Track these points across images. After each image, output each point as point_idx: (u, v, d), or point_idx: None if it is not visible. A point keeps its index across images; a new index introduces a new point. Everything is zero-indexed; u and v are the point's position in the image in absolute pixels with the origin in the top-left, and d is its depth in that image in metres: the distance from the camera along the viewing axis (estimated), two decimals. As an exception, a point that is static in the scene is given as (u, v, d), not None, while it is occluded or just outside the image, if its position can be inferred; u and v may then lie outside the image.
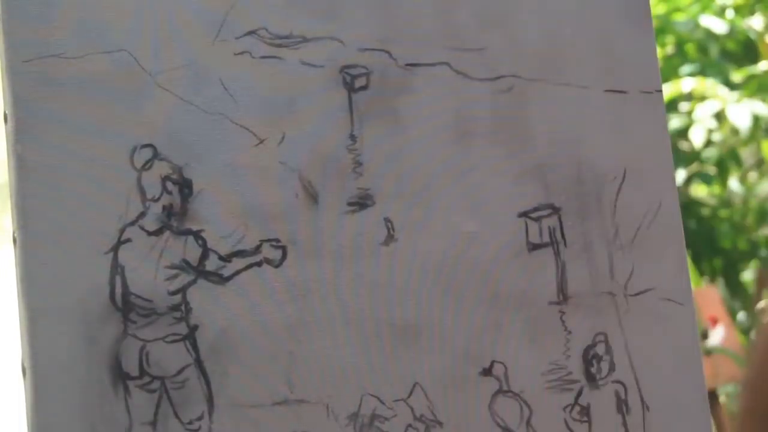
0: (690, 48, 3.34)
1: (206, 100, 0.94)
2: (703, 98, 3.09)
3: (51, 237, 0.89)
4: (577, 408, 0.99)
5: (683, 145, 3.31)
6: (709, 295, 3.16)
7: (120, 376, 0.89)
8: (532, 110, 1.02)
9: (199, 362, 0.91)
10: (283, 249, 0.94)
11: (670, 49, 3.37)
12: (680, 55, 3.35)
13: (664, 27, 3.28)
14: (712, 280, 3.41)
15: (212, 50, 0.95)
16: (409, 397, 0.95)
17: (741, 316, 3.76)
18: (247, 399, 0.91)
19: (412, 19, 1.00)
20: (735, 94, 3.06)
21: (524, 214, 1.01)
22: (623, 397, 1.01)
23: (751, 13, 3.53)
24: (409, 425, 0.95)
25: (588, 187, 1.03)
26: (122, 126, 0.92)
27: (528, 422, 0.98)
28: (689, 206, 3.35)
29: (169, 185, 0.92)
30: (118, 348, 0.89)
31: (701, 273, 3.34)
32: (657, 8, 3.30)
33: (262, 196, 0.94)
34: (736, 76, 3.25)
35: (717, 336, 3.02)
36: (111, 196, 0.91)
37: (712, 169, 3.31)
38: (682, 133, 3.19)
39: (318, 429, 0.92)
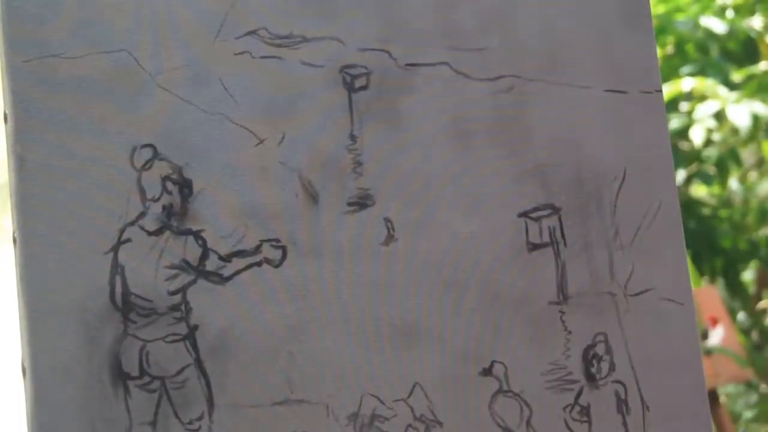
0: (690, 48, 3.34)
1: (206, 100, 0.94)
2: (703, 98, 3.09)
3: (51, 237, 0.89)
4: (577, 408, 0.99)
5: (683, 145, 3.31)
6: (709, 295, 3.16)
7: (120, 376, 0.89)
8: (532, 110, 1.02)
9: (199, 362, 0.91)
10: (283, 249, 0.94)
11: (670, 49, 3.37)
12: (680, 55, 3.34)
13: (664, 27, 3.28)
14: (712, 280, 3.41)
15: (212, 50, 0.95)
16: (409, 397, 0.95)
17: (741, 316, 3.76)
18: (247, 399, 0.91)
19: (412, 19, 1.00)
20: (735, 94, 3.06)
21: (524, 214, 1.01)
22: (623, 397, 1.01)
23: (751, 13, 3.53)
24: (409, 425, 0.95)
25: (588, 187, 1.03)
26: (122, 126, 0.92)
27: (528, 422, 0.98)
28: (689, 206, 3.35)
29: (169, 185, 0.92)
30: (118, 348, 0.89)
31: (701, 273, 3.34)
32: (657, 8, 3.30)
33: (262, 196, 0.94)
34: (736, 76, 3.25)
35: (717, 336, 3.02)
36: (111, 196, 0.91)
37: (712, 169, 3.31)
38: (682, 133, 3.19)
39: (318, 429, 0.92)
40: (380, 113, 0.98)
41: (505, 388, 0.97)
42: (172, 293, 0.91)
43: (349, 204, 0.97)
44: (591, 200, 1.03)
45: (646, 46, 1.07)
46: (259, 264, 0.93)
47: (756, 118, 3.00)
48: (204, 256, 0.92)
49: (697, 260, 3.30)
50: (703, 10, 3.34)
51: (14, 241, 0.89)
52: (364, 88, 0.98)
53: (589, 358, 1.00)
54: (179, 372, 0.90)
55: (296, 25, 0.97)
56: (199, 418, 0.90)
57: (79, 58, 0.92)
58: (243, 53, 0.96)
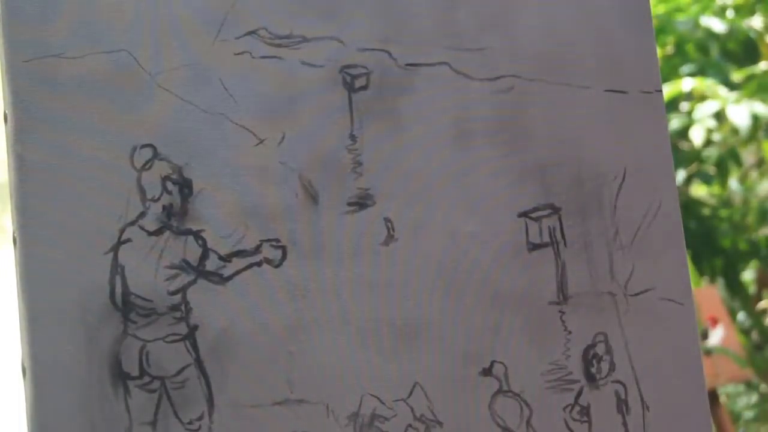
0: (690, 48, 3.34)
1: (206, 100, 0.94)
2: (703, 98, 3.09)
3: (51, 237, 0.89)
4: (577, 408, 0.99)
5: (683, 145, 3.31)
6: (709, 295, 3.16)
7: (120, 376, 0.89)
8: (532, 110, 1.02)
9: (199, 362, 0.91)
10: (283, 249, 0.94)
11: (670, 49, 3.37)
12: (680, 55, 3.35)
13: (664, 27, 3.28)
14: (712, 280, 3.41)
15: (212, 50, 0.95)
16: (409, 397, 0.95)
17: (741, 316, 3.76)
18: (247, 399, 0.91)
19: (412, 19, 1.00)
20: (735, 94, 3.06)
21: (524, 214, 1.01)
22: (623, 397, 1.01)
23: (751, 13, 3.53)
24: (409, 425, 0.95)
25: (588, 187, 1.03)
26: (122, 126, 0.92)
27: (528, 422, 0.98)
28: (689, 206, 3.35)
29: (169, 185, 0.92)
30: (118, 348, 0.89)
31: (701, 273, 3.34)
32: (657, 8, 3.30)
33: (262, 196, 0.94)
34: (736, 76, 3.25)
35: (717, 336, 3.02)
36: (111, 196, 0.91)
37: (712, 169, 3.31)
38: (682, 133, 3.19)
39: (318, 429, 0.92)
40: (380, 113, 0.98)
41: (505, 388, 0.97)
42: (172, 293, 0.91)
43: (349, 204, 0.97)
44: (591, 200, 1.03)
45: (646, 46, 1.07)
46: (259, 264, 0.93)
47: (756, 118, 3.00)
48: (204, 256, 0.92)
49: (697, 260, 3.30)
50: (703, 10, 3.34)
51: (14, 241, 0.89)
52: (364, 88, 0.98)
53: (589, 358, 1.00)
54: (179, 372, 0.90)
55: (296, 25, 0.97)
56: (199, 418, 0.90)
57: (79, 58, 0.92)
58: (243, 53, 0.96)
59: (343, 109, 0.98)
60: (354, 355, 0.94)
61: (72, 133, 0.91)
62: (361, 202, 0.97)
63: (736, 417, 3.64)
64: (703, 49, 3.33)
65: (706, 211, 3.47)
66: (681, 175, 3.27)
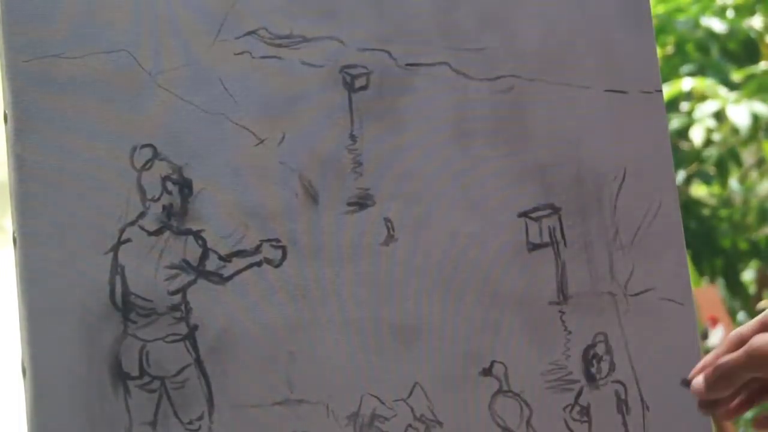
0: (690, 48, 3.34)
1: (206, 100, 0.94)
2: (703, 98, 3.09)
3: (51, 237, 0.89)
4: (577, 408, 0.99)
5: (683, 145, 3.31)
6: (709, 295, 3.16)
7: (120, 376, 0.89)
8: (532, 110, 1.02)
9: (199, 362, 0.91)
10: (283, 249, 0.94)
11: (670, 49, 3.37)
12: (680, 55, 3.34)
13: (664, 27, 3.28)
14: (712, 280, 3.41)
15: (212, 50, 0.95)
16: (409, 397, 0.95)
17: (741, 316, 3.75)
18: (247, 399, 0.91)
19: (412, 19, 1.00)
20: (735, 94, 3.06)
21: (524, 214, 1.01)
22: (623, 397, 1.01)
23: (751, 13, 3.53)
24: (409, 425, 0.95)
25: (588, 187, 1.03)
26: (122, 126, 0.92)
27: (528, 422, 0.98)
28: (689, 206, 3.35)
29: (169, 185, 0.92)
30: (118, 348, 0.89)
31: (701, 273, 3.34)
32: (657, 8, 3.30)
33: (262, 196, 0.94)
34: (736, 76, 3.25)
35: (717, 336, 3.02)
36: (111, 196, 0.91)
37: (712, 169, 3.31)
38: (682, 133, 3.19)
39: (318, 429, 0.92)
40: (380, 113, 0.98)
41: (505, 388, 0.97)
42: (172, 293, 0.91)
43: (349, 204, 0.97)
44: (591, 200, 1.03)
45: (646, 46, 1.07)
46: (259, 264, 0.93)
47: (756, 118, 3.00)
48: (204, 256, 0.92)
49: (697, 260, 3.29)
50: (703, 10, 3.34)
51: (14, 241, 0.89)
52: (364, 88, 0.98)
53: (589, 358, 1.00)
54: (179, 372, 0.90)
55: (296, 25, 0.97)
56: (199, 418, 0.90)
57: (79, 58, 0.91)
58: (243, 53, 0.96)
59: (343, 109, 0.98)
60: (354, 355, 0.94)
61: (72, 133, 0.90)
62: (361, 202, 0.97)
63: (735, 417, 3.64)
64: (703, 49, 3.33)
65: (706, 211, 3.47)
66: (681, 175, 3.27)
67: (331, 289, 0.95)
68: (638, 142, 1.05)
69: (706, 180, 3.35)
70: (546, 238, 1.01)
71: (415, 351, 0.96)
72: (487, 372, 0.97)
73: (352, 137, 0.97)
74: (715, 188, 3.51)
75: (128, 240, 0.91)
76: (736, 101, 3.03)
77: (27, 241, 0.89)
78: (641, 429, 1.01)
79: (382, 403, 0.94)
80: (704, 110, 3.05)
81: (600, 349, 1.01)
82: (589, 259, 1.02)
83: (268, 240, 0.94)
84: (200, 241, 0.92)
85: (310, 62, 0.97)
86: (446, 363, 0.96)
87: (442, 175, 0.99)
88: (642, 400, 1.01)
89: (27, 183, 0.89)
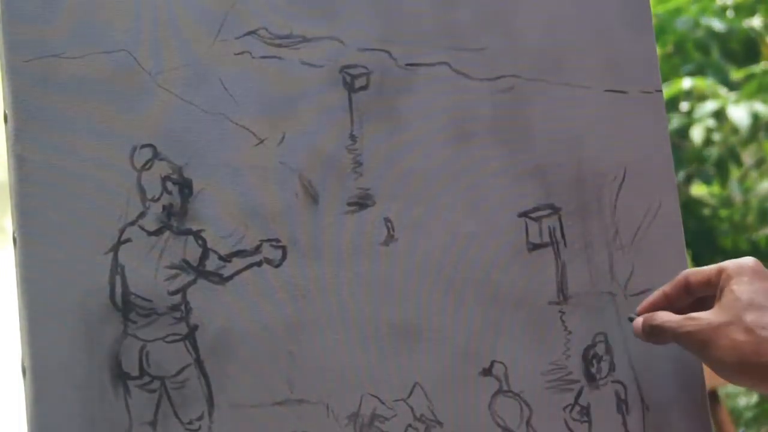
0: (690, 48, 3.34)
1: (206, 100, 0.94)
2: (703, 98, 3.09)
3: (51, 237, 0.89)
4: (577, 408, 0.99)
5: (683, 145, 3.31)
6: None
7: (120, 376, 0.89)
8: (532, 110, 1.02)
9: (199, 362, 0.91)
10: (283, 249, 0.94)
11: (670, 48, 3.37)
12: (680, 55, 3.35)
13: (664, 27, 3.28)
14: (712, 279, 3.39)
15: (212, 50, 0.95)
16: (409, 397, 0.95)
17: (741, 315, 3.74)
18: (247, 399, 0.91)
19: (412, 19, 1.00)
20: (735, 94, 3.06)
21: (524, 214, 1.01)
22: (623, 397, 1.01)
23: (751, 13, 3.53)
24: (409, 425, 0.95)
25: (588, 187, 1.03)
26: (122, 126, 0.92)
27: (528, 422, 0.98)
28: (689, 206, 3.35)
29: (169, 185, 0.92)
30: (118, 348, 0.89)
31: (701, 273, 3.33)
32: (657, 8, 3.30)
33: (262, 196, 0.94)
34: (736, 76, 3.25)
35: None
36: (111, 196, 0.91)
37: (712, 169, 3.31)
38: (682, 133, 3.19)
39: (318, 429, 0.92)
40: (380, 113, 0.98)
41: (505, 388, 0.97)
42: (172, 293, 0.91)
43: (349, 204, 0.97)
44: (591, 200, 1.03)
45: (646, 46, 1.07)
46: (259, 264, 0.93)
47: (756, 118, 3.00)
48: (204, 256, 0.92)
49: (697, 260, 3.30)
50: (703, 10, 3.34)
51: (14, 241, 0.89)
52: (364, 88, 0.98)
53: (589, 358, 1.00)
54: (179, 372, 0.90)
55: (296, 25, 0.97)
56: (199, 418, 0.90)
57: (79, 58, 0.92)
58: (243, 53, 0.96)
59: (343, 109, 0.98)
60: (354, 355, 0.94)
61: (72, 133, 0.90)
62: (361, 202, 0.97)
63: (736, 417, 3.64)
64: (703, 49, 3.33)
65: (706, 211, 3.47)
66: (681, 175, 3.28)
67: (331, 289, 0.95)
68: (638, 142, 1.05)
69: (706, 180, 3.35)
70: (546, 238, 1.01)
71: (415, 351, 0.96)
72: (487, 372, 0.97)
73: (352, 137, 0.97)
74: (715, 188, 3.51)
75: (128, 240, 0.91)
76: (736, 101, 3.03)
77: (27, 241, 0.89)
78: (641, 429, 1.01)
79: (382, 403, 0.94)
80: (704, 110, 3.05)
81: (600, 349, 1.01)
82: (589, 259, 1.02)
83: (268, 240, 0.94)
84: (200, 241, 0.92)
85: (310, 62, 0.97)
86: (446, 363, 0.96)
87: (442, 175, 0.99)
88: (642, 400, 1.01)
89: (27, 183, 0.89)
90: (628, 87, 1.06)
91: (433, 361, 0.96)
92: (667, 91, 3.02)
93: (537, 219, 1.01)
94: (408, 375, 0.95)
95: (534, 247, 1.01)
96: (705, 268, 0.97)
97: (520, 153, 1.01)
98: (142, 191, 0.92)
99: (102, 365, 0.88)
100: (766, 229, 3.57)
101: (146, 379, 0.89)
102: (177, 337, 0.90)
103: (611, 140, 1.04)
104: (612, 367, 1.01)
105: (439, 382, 0.96)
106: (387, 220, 0.97)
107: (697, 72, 3.21)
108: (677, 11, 3.33)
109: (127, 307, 0.90)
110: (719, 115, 3.05)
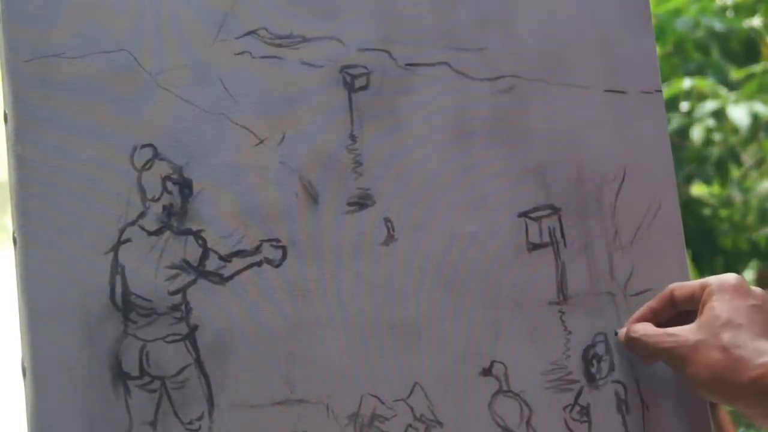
0: (690, 48, 3.34)
1: (206, 100, 0.94)
2: (703, 98, 3.09)
3: (51, 237, 0.89)
4: (577, 408, 0.99)
5: (683, 145, 3.31)
6: (709, 294, 3.14)
7: (120, 376, 0.89)
8: (532, 110, 1.02)
9: (199, 362, 0.91)
10: (283, 249, 0.94)
11: (670, 48, 3.37)
12: (680, 55, 3.35)
13: (664, 27, 3.28)
14: (712, 280, 3.40)
15: (212, 50, 0.95)
16: (409, 397, 0.95)
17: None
18: (247, 399, 0.91)
19: (412, 19, 1.00)
20: (735, 94, 3.07)
21: (524, 214, 1.01)
22: (623, 397, 1.01)
23: (751, 13, 3.53)
24: (409, 425, 0.95)
25: (588, 187, 1.03)
26: (122, 126, 0.92)
27: (528, 422, 0.98)
28: (689, 206, 3.35)
29: (169, 185, 0.92)
30: (118, 348, 0.89)
31: (701, 273, 3.34)
32: (657, 8, 3.30)
33: (262, 196, 0.94)
34: (736, 76, 3.25)
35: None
36: (111, 196, 0.91)
37: (712, 169, 3.31)
38: (682, 133, 3.19)
39: (318, 429, 0.92)
40: (380, 113, 0.98)
41: (505, 388, 0.97)
42: (172, 293, 0.91)
43: (349, 204, 0.97)
44: (591, 200, 1.03)
45: (646, 46, 1.07)
46: (259, 264, 0.93)
47: (756, 118, 3.00)
48: (204, 256, 0.92)
49: (697, 260, 3.30)
50: (703, 10, 3.34)
51: (14, 241, 0.89)
52: (364, 88, 0.98)
53: (589, 358, 1.00)
54: (179, 372, 0.90)
55: (296, 25, 0.97)
56: (199, 418, 0.90)
57: (79, 58, 0.92)
58: (243, 53, 0.96)
59: (343, 109, 0.98)
60: (354, 355, 0.94)
61: (72, 133, 0.91)
62: (361, 202, 0.97)
63: (736, 417, 3.64)
64: (703, 49, 3.33)
65: (706, 211, 3.48)
66: (681, 175, 3.28)
67: (331, 289, 0.95)
68: (638, 142, 1.05)
69: (706, 180, 3.36)
70: (546, 238, 1.01)
71: (415, 351, 0.96)
72: (487, 372, 0.97)
73: (352, 137, 0.97)
74: (715, 188, 3.51)
75: (128, 240, 0.91)
76: (736, 101, 3.03)
77: (27, 241, 0.89)
78: (641, 429, 1.01)
79: (382, 403, 0.94)
80: (704, 110, 3.05)
81: (600, 349, 1.01)
82: (589, 259, 1.02)
83: (268, 240, 0.94)
84: (200, 241, 0.92)
85: (310, 62, 0.97)
86: (446, 363, 0.96)
87: (442, 175, 0.99)
88: (642, 400, 1.01)
89: (27, 183, 0.89)
90: (628, 87, 1.06)
91: (433, 361, 0.96)
92: (667, 91, 3.02)
93: (537, 219, 1.01)
94: (408, 375, 0.95)
95: (534, 247, 1.01)
96: (690, 282, 0.98)
97: (520, 153, 1.01)
98: (142, 191, 0.92)
99: (102, 365, 0.88)
100: (766, 229, 3.57)
101: (146, 379, 0.89)
102: (177, 337, 0.90)
103: (611, 140, 1.04)
104: (612, 367, 1.01)
105: (439, 382, 0.96)
106: (387, 220, 0.97)
107: (697, 72, 3.21)
108: (677, 11, 3.33)
109: (127, 307, 0.90)
110: (719, 115, 3.05)
